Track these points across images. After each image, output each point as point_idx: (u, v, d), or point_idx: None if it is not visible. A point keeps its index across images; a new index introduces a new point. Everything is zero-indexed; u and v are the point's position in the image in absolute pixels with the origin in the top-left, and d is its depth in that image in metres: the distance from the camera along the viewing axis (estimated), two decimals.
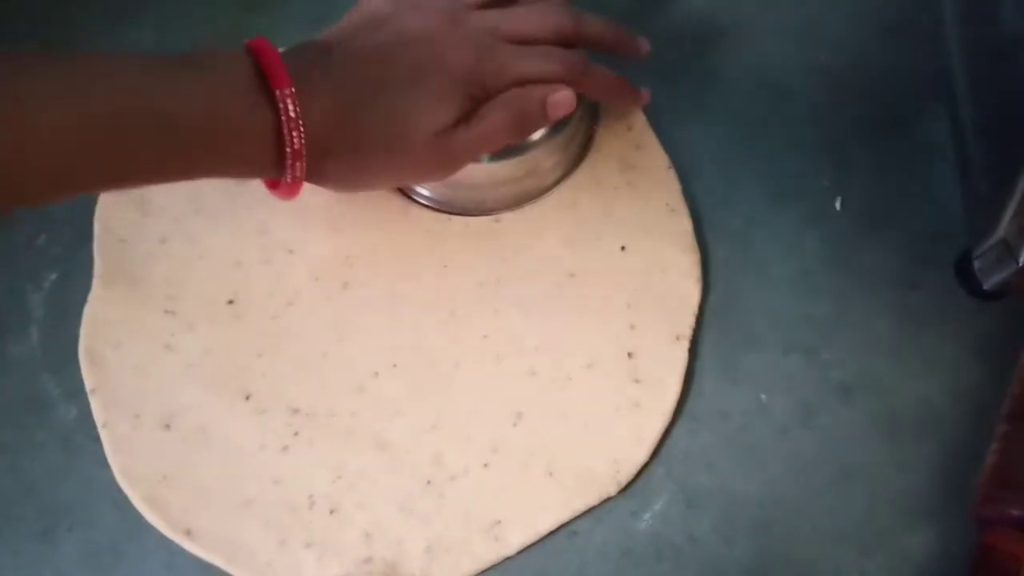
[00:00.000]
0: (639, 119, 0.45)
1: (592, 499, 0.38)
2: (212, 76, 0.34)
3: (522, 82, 0.38)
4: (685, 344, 0.41)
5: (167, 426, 0.40)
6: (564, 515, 0.38)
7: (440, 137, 0.37)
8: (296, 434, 0.39)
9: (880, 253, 0.43)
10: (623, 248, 0.42)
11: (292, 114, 0.34)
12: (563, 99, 0.39)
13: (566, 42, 0.40)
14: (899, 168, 0.44)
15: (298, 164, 0.35)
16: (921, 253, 0.43)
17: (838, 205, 0.44)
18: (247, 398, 0.40)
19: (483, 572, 0.37)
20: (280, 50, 0.35)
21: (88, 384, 0.40)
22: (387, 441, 0.39)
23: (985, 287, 0.38)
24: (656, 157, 0.45)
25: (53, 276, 0.43)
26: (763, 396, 0.40)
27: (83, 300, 0.42)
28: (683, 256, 0.42)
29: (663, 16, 0.49)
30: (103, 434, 0.39)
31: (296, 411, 0.40)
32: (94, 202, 0.44)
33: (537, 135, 0.41)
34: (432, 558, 0.37)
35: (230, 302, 0.42)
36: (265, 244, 0.43)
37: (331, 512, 0.38)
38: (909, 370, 0.40)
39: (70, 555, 0.38)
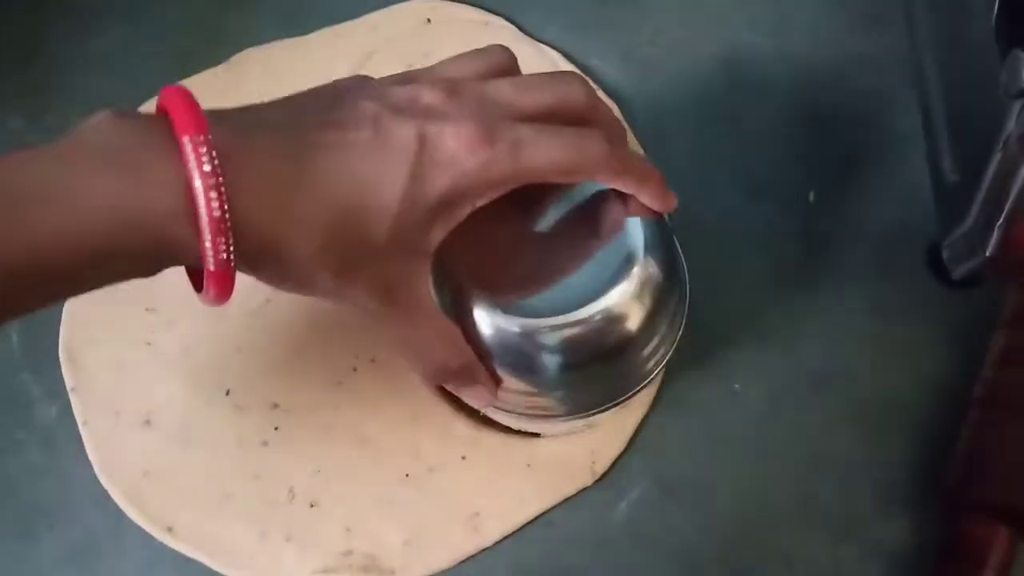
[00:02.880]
0: (614, 113, 0.46)
1: (569, 490, 0.38)
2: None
3: (541, 176, 0.31)
4: None
5: (147, 423, 0.40)
6: (541, 506, 0.38)
7: (409, 217, 0.30)
8: (276, 429, 0.40)
9: (853, 244, 0.43)
10: None
11: (207, 168, 0.26)
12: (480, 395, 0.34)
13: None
14: (872, 159, 0.45)
15: (220, 240, 0.27)
16: (893, 244, 0.43)
17: (811, 197, 0.44)
18: (227, 394, 0.40)
19: (461, 563, 0.37)
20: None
21: (68, 382, 0.41)
22: (366, 435, 0.39)
23: (955, 276, 0.39)
24: (631, 150, 0.45)
25: None
26: (737, 386, 0.40)
27: None
28: None
29: (637, 11, 0.49)
30: (83, 432, 0.40)
31: (275, 406, 0.40)
32: None
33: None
34: (411, 550, 0.37)
35: None
36: None
37: (311, 506, 0.38)
38: (882, 359, 0.41)
39: (51, 553, 0.38)
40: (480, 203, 0.31)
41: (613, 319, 0.32)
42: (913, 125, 0.44)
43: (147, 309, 0.42)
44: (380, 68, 0.47)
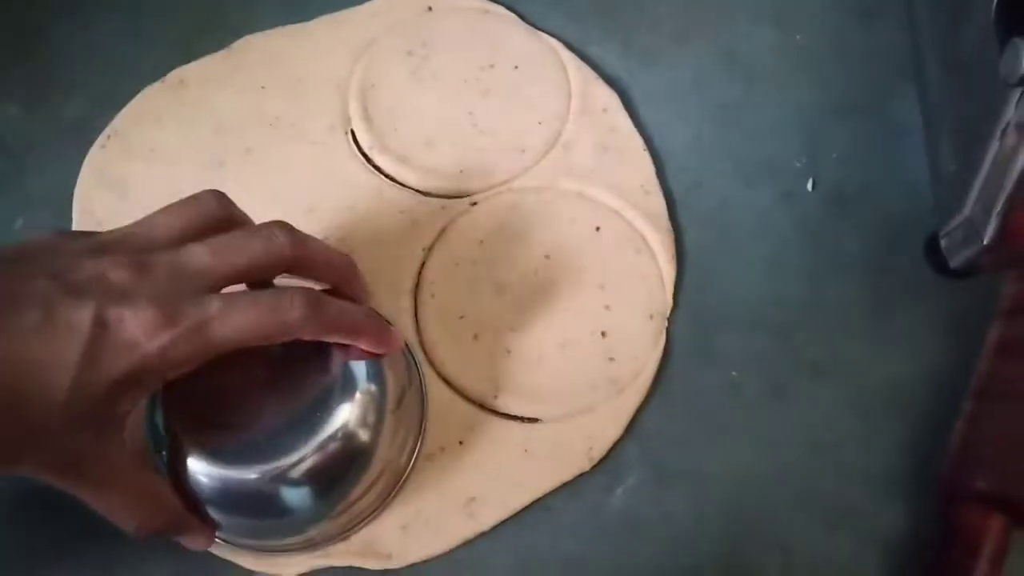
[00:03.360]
0: (614, 101, 0.46)
1: (566, 475, 0.38)
2: None
3: (236, 345, 0.31)
4: (659, 323, 0.41)
5: None
6: (538, 491, 0.38)
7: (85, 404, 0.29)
8: None
9: (852, 233, 0.43)
10: (598, 229, 0.43)
11: None
12: None
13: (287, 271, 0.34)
14: (871, 149, 0.45)
15: None
16: (892, 233, 0.43)
17: (809, 186, 0.44)
18: None
19: (458, 548, 0.38)
20: None
21: None
22: None
23: (952, 265, 0.39)
24: (631, 139, 0.45)
25: None
26: (735, 374, 0.40)
27: None
28: (657, 237, 0.43)
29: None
30: None
31: None
32: (72, 185, 0.44)
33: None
34: (408, 535, 0.37)
35: None
36: None
37: None
38: (880, 349, 0.41)
39: (56, 534, 0.38)
40: (171, 377, 0.31)
41: (344, 441, 0.34)
42: (912, 113, 0.44)
43: None
44: (380, 56, 0.47)
